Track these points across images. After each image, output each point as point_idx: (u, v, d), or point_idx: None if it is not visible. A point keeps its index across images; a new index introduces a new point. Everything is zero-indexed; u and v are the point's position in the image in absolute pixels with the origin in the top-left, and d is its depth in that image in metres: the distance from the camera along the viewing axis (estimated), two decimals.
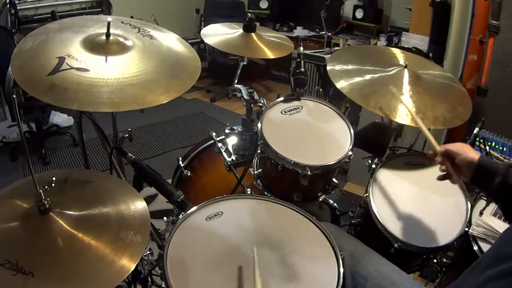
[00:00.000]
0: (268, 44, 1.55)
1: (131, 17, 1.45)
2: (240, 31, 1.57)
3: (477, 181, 0.99)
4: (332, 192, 1.40)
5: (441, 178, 1.07)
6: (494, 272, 0.66)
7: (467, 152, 0.99)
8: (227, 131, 1.68)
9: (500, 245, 0.73)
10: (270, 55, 1.51)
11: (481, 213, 1.30)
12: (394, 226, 1.20)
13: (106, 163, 2.80)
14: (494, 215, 1.34)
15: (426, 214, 1.24)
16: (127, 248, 0.83)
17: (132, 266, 0.80)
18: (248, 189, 1.43)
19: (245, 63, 1.67)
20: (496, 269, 0.65)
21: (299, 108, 1.41)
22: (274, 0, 5.09)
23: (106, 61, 1.03)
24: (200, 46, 4.94)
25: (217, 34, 1.58)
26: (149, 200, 2.36)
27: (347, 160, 1.28)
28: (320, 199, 1.39)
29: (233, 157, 1.56)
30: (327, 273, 0.93)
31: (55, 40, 1.05)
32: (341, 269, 0.93)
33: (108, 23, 1.08)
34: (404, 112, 1.27)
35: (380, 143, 1.52)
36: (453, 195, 1.28)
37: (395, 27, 4.14)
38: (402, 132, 2.10)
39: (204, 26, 1.70)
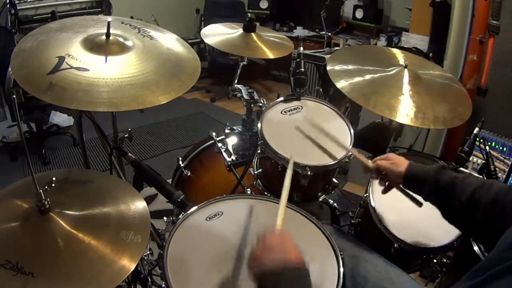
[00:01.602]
0: (268, 44, 1.56)
1: (131, 17, 1.45)
2: (240, 31, 1.57)
3: (410, 189, 1.05)
4: (332, 192, 1.40)
5: (384, 191, 1.13)
6: (495, 271, 0.65)
7: (395, 165, 1.04)
8: (227, 131, 1.68)
9: (501, 248, 0.73)
10: (270, 55, 1.51)
11: None
12: (394, 226, 1.20)
13: (106, 163, 2.80)
14: None
15: (426, 214, 1.23)
16: (127, 248, 0.83)
17: (132, 266, 0.80)
18: (248, 189, 1.43)
19: (245, 63, 1.67)
20: (498, 268, 0.65)
21: (299, 108, 1.41)
22: (274, 0, 5.09)
23: (106, 61, 1.03)
24: (200, 46, 4.94)
25: (217, 34, 1.58)
26: (149, 200, 2.36)
27: (347, 160, 1.28)
28: (320, 199, 1.38)
29: (233, 157, 1.56)
30: (327, 273, 0.93)
31: (55, 40, 1.05)
32: (341, 269, 0.93)
33: (108, 23, 1.08)
34: (405, 112, 1.26)
35: (380, 143, 1.52)
36: None
37: (395, 27, 4.14)
38: (402, 132, 2.11)
39: (204, 26, 1.70)
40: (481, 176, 1.31)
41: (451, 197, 0.90)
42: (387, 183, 1.10)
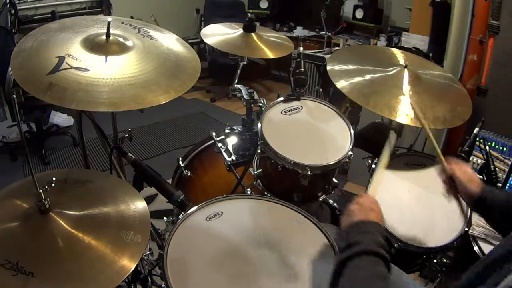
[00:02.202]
0: (268, 44, 1.56)
1: (131, 17, 1.45)
2: (240, 31, 1.57)
3: (476, 209, 1.01)
4: (332, 192, 1.40)
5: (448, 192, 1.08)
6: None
7: (469, 182, 0.99)
8: (227, 131, 1.68)
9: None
10: (270, 55, 1.51)
11: None
12: (394, 226, 1.20)
13: (106, 163, 2.80)
14: None
15: (426, 214, 1.24)
16: (127, 248, 0.83)
17: (132, 266, 0.80)
18: (248, 189, 1.43)
19: (245, 63, 1.67)
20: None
21: (299, 108, 1.41)
22: (274, 0, 5.09)
23: (105, 61, 1.03)
24: (200, 46, 4.94)
25: (217, 34, 1.58)
26: (149, 200, 2.36)
27: (347, 160, 1.28)
28: (320, 199, 1.38)
29: (233, 157, 1.56)
30: (327, 273, 0.93)
31: (55, 40, 1.05)
32: None
33: (108, 23, 1.08)
34: (405, 112, 1.27)
35: (380, 143, 1.52)
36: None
37: (395, 27, 4.14)
38: (402, 132, 2.10)
39: (204, 26, 1.70)
40: None
41: None
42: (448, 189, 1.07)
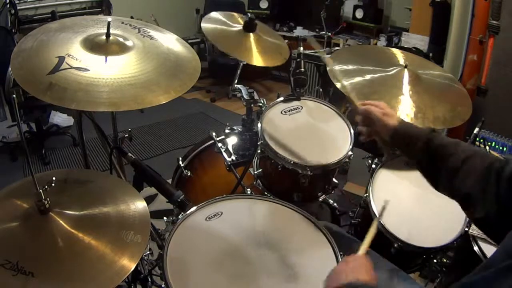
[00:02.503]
0: (264, 50, 1.54)
1: (131, 17, 1.45)
2: (240, 27, 1.57)
3: (397, 146, 0.96)
4: (332, 192, 1.40)
5: (363, 138, 1.05)
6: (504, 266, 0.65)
7: (386, 117, 0.96)
8: (227, 131, 1.68)
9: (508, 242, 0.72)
10: (261, 62, 1.49)
11: None
12: (394, 226, 1.20)
13: (106, 163, 2.80)
14: None
15: (426, 214, 1.24)
16: (127, 248, 0.83)
17: (132, 266, 0.80)
18: (248, 189, 1.43)
19: (245, 63, 1.66)
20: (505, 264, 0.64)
21: (299, 108, 1.41)
22: (274, 0, 5.09)
23: (106, 61, 1.03)
24: (200, 46, 4.94)
25: (217, 21, 1.57)
26: (149, 200, 2.36)
27: (347, 160, 1.28)
28: (320, 199, 1.38)
29: (233, 157, 1.56)
30: (327, 273, 0.93)
31: (55, 40, 1.05)
32: None
33: (108, 23, 1.08)
34: (405, 112, 1.27)
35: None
36: None
37: (395, 27, 4.14)
38: None
39: None
40: (473, 145, 1.26)
41: (440, 159, 0.85)
42: (367, 130, 1.03)
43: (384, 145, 1.00)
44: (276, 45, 1.64)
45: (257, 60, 1.50)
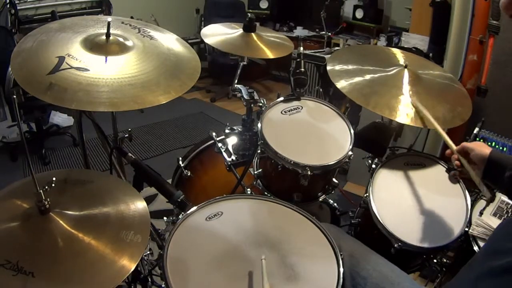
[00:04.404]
0: (268, 44, 1.56)
1: (131, 17, 1.45)
2: (240, 31, 1.58)
3: (489, 175, 1.02)
4: (332, 192, 1.40)
5: (455, 176, 1.13)
6: (486, 269, 0.66)
7: (480, 147, 1.04)
8: (227, 131, 1.68)
9: (492, 241, 0.73)
10: (270, 55, 1.51)
11: (481, 213, 1.30)
12: (394, 226, 1.20)
13: (106, 163, 2.80)
14: (494, 215, 1.34)
15: (426, 214, 1.24)
16: (127, 248, 0.83)
17: (132, 266, 0.80)
18: (248, 189, 1.43)
19: (245, 63, 1.67)
20: (488, 265, 0.65)
21: (299, 108, 1.41)
22: (274, 0, 5.09)
23: (106, 61, 1.03)
24: (200, 46, 4.94)
25: (217, 34, 1.58)
26: (149, 200, 2.36)
27: (347, 160, 1.28)
28: (320, 199, 1.38)
29: (233, 157, 1.56)
30: (327, 273, 0.93)
31: (55, 40, 1.05)
32: (341, 269, 0.93)
33: (108, 23, 1.08)
34: (405, 112, 1.27)
35: (380, 143, 1.52)
36: (453, 195, 1.28)
37: (395, 27, 4.14)
38: (402, 132, 2.10)
39: (204, 26, 1.70)
40: None
41: None
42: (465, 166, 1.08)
43: (480, 181, 1.04)
44: (279, 39, 1.65)
45: (266, 53, 1.51)
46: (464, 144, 1.09)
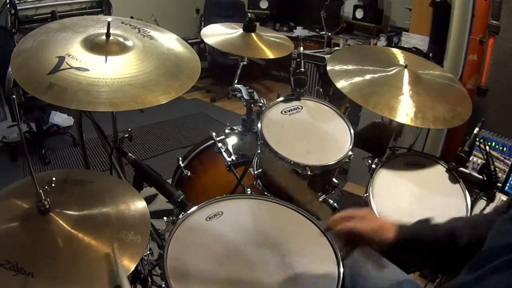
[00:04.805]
0: (268, 44, 1.56)
1: (131, 17, 1.45)
2: (240, 31, 1.57)
3: (400, 255, 0.89)
4: (332, 192, 1.40)
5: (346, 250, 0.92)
6: (493, 265, 0.66)
7: (379, 231, 0.84)
8: (227, 131, 1.68)
9: (495, 238, 0.73)
10: (270, 55, 1.51)
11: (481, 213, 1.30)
12: None
13: (106, 163, 2.80)
14: None
15: (426, 214, 1.22)
16: (127, 248, 0.83)
17: (132, 266, 0.80)
18: (248, 189, 1.43)
19: (245, 63, 1.67)
20: (495, 262, 0.65)
21: (299, 108, 1.41)
22: (274, 0, 5.09)
23: (106, 61, 1.03)
24: (200, 46, 4.94)
25: (217, 34, 1.58)
26: (149, 200, 2.36)
27: (347, 160, 1.28)
28: (320, 199, 1.38)
29: (233, 157, 1.56)
30: (327, 273, 0.93)
31: (55, 40, 1.05)
32: (341, 269, 0.93)
33: (108, 23, 1.08)
34: (405, 112, 1.27)
35: (380, 143, 1.52)
36: (453, 195, 1.28)
37: (395, 27, 4.13)
38: (402, 132, 2.10)
39: (204, 26, 1.70)
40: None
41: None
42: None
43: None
44: (279, 39, 1.65)
45: (266, 53, 1.52)
46: (352, 226, 0.86)
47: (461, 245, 0.80)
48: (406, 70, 1.38)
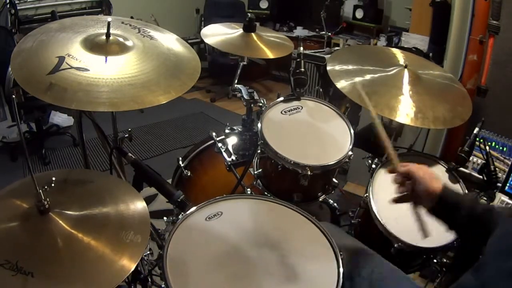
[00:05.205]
0: (268, 44, 1.56)
1: (131, 17, 1.45)
2: (240, 31, 1.57)
3: (438, 212, 0.90)
4: (332, 192, 1.40)
5: (396, 200, 0.97)
6: (498, 270, 0.65)
7: (429, 181, 0.89)
8: (227, 131, 1.68)
9: (502, 240, 0.73)
10: (270, 55, 1.51)
11: None
12: (394, 226, 1.20)
13: (106, 163, 2.80)
14: None
15: (426, 214, 1.23)
16: (127, 248, 0.83)
17: (132, 266, 0.80)
18: (248, 189, 1.43)
19: (245, 63, 1.67)
20: (501, 266, 0.65)
21: (299, 108, 1.41)
22: (274, 0, 5.09)
23: (106, 61, 1.03)
24: (200, 46, 4.94)
25: (217, 34, 1.58)
26: (149, 200, 2.36)
27: (347, 160, 1.28)
28: (320, 199, 1.38)
29: (233, 157, 1.56)
30: (327, 273, 0.93)
31: (55, 40, 1.05)
32: (341, 269, 0.93)
33: (108, 23, 1.08)
34: (405, 112, 1.27)
35: (380, 143, 1.52)
36: None
37: (395, 27, 4.13)
38: (402, 132, 2.10)
39: (204, 26, 1.70)
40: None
41: (483, 226, 0.83)
42: (403, 195, 0.95)
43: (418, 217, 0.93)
44: (279, 39, 1.65)
45: (266, 53, 1.51)
46: (411, 169, 0.92)
47: (495, 223, 0.81)
48: (406, 70, 1.38)
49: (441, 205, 0.88)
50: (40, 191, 0.81)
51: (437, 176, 0.93)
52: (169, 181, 1.73)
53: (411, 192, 0.92)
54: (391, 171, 0.96)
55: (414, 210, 0.93)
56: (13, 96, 0.90)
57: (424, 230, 0.91)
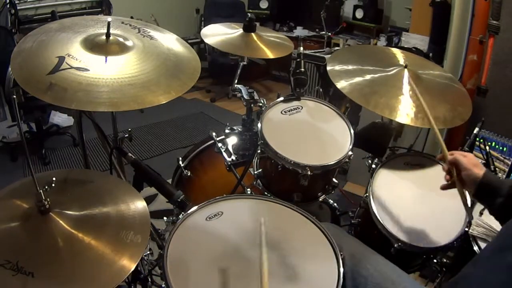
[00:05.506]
0: (268, 44, 1.56)
1: (131, 17, 1.45)
2: (240, 31, 1.58)
3: (480, 197, 1.00)
4: (332, 192, 1.40)
5: (444, 187, 1.09)
6: (498, 264, 0.65)
7: (473, 167, 1.00)
8: (227, 131, 1.68)
9: (503, 237, 0.73)
10: (270, 55, 1.51)
11: (481, 213, 1.30)
12: (394, 226, 1.20)
13: (106, 163, 2.80)
14: None
15: (426, 214, 1.24)
16: (127, 248, 0.83)
17: (132, 266, 0.80)
18: (248, 189, 1.43)
19: (245, 63, 1.67)
20: (501, 260, 0.65)
21: (299, 108, 1.41)
22: (274, 0, 5.09)
23: (106, 61, 1.03)
24: (200, 46, 4.94)
25: (217, 34, 1.58)
26: (149, 200, 2.36)
27: (347, 160, 1.28)
28: (320, 199, 1.38)
29: (233, 157, 1.56)
30: (327, 273, 0.93)
31: (55, 40, 1.05)
32: (341, 269, 0.93)
33: (108, 23, 1.08)
34: (405, 112, 1.27)
35: (380, 143, 1.52)
36: (453, 195, 1.28)
37: (395, 27, 4.14)
38: (402, 132, 2.11)
39: (204, 26, 1.70)
40: None
41: None
42: (451, 181, 1.06)
43: (465, 200, 1.04)
44: (279, 39, 1.65)
45: (266, 53, 1.51)
46: (457, 157, 1.04)
47: None
48: (406, 70, 1.38)
49: (482, 189, 0.97)
50: (41, 191, 0.81)
51: (478, 163, 1.03)
52: (169, 181, 1.73)
53: (457, 178, 1.03)
54: (440, 159, 1.13)
55: (461, 194, 1.04)
56: (13, 96, 0.89)
57: (468, 212, 1.06)
